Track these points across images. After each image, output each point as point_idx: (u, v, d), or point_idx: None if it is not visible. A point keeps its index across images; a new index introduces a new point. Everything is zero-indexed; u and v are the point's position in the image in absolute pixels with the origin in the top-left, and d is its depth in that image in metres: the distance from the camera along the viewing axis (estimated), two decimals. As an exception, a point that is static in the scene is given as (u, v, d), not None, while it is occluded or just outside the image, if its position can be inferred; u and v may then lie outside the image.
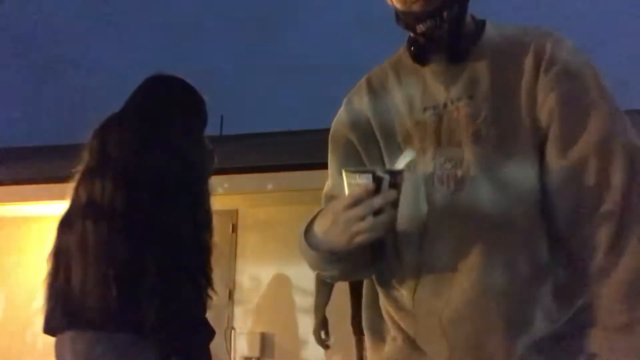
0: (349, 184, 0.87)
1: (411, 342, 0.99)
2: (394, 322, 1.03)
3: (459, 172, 0.94)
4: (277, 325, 4.97)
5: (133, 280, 1.54)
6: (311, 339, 4.84)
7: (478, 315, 0.90)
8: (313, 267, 1.01)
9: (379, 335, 1.08)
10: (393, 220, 0.87)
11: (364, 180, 0.85)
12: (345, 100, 1.13)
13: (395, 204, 0.86)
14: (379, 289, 1.08)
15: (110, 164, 1.66)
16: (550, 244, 0.91)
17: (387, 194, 0.84)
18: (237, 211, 5.02)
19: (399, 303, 1.01)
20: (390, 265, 1.02)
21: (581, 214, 0.89)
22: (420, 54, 1.02)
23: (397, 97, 1.04)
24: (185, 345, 1.57)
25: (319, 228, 0.93)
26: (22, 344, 5.13)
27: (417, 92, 1.02)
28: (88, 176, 1.67)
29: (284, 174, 4.69)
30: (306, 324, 4.84)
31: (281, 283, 5.05)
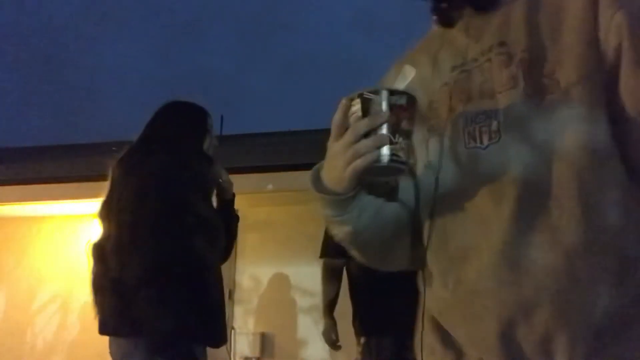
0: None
1: None
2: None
3: (494, 124, 0.82)
4: (277, 325, 4.97)
5: (128, 292, 1.78)
6: (311, 339, 4.85)
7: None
8: (326, 219, 0.89)
9: None
10: (385, 145, 0.73)
11: (356, 106, 0.74)
12: None
13: (398, 130, 0.73)
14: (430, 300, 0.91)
15: (112, 196, 1.91)
16: (623, 191, 0.76)
17: (376, 116, 0.73)
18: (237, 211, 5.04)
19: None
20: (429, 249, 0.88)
21: None
22: (442, 14, 0.93)
23: (425, 67, 0.95)
24: (168, 347, 1.76)
25: (323, 171, 0.84)
26: (22, 344, 5.13)
27: (445, 55, 0.93)
28: (101, 209, 1.94)
29: (284, 174, 4.69)
30: (306, 324, 4.84)
31: (281, 283, 5.05)
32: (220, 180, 2.11)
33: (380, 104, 0.73)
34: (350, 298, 2.92)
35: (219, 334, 1.95)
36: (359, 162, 0.74)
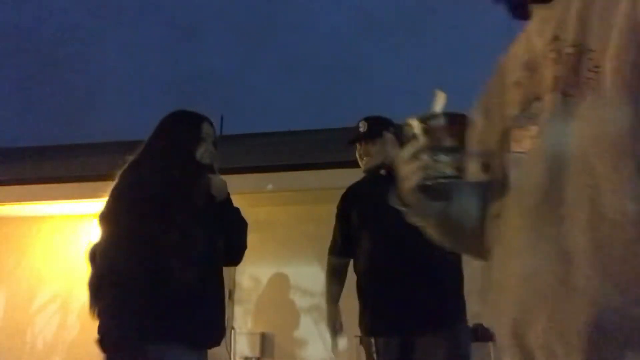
0: None
1: None
2: None
3: (533, 129, 0.81)
4: (277, 325, 4.97)
5: (102, 293, 1.94)
6: (311, 339, 4.84)
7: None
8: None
9: None
10: (426, 166, 0.81)
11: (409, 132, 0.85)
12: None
13: (441, 149, 0.81)
14: None
15: (106, 205, 2.05)
16: None
17: (414, 142, 0.83)
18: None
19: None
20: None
21: None
22: (511, 7, 0.93)
23: (513, 61, 0.93)
24: (118, 347, 1.87)
25: None
26: (22, 344, 5.13)
27: (519, 51, 0.91)
28: (99, 216, 2.05)
29: (284, 174, 4.69)
30: (306, 324, 4.85)
31: (281, 283, 5.05)
32: (211, 186, 2.07)
33: (420, 129, 0.82)
34: (357, 298, 2.92)
35: (198, 336, 1.93)
36: (408, 183, 0.85)
